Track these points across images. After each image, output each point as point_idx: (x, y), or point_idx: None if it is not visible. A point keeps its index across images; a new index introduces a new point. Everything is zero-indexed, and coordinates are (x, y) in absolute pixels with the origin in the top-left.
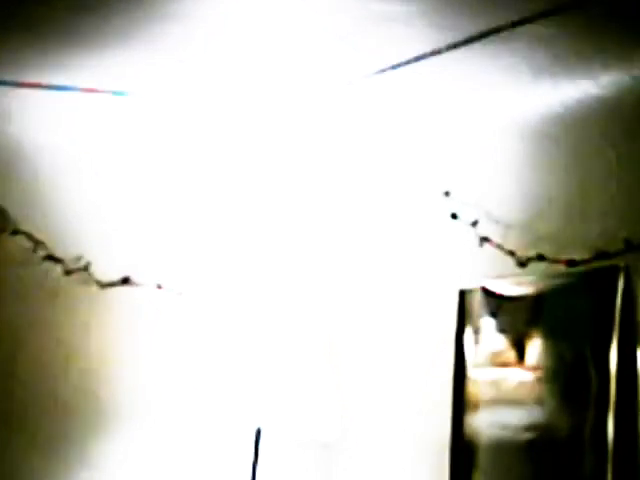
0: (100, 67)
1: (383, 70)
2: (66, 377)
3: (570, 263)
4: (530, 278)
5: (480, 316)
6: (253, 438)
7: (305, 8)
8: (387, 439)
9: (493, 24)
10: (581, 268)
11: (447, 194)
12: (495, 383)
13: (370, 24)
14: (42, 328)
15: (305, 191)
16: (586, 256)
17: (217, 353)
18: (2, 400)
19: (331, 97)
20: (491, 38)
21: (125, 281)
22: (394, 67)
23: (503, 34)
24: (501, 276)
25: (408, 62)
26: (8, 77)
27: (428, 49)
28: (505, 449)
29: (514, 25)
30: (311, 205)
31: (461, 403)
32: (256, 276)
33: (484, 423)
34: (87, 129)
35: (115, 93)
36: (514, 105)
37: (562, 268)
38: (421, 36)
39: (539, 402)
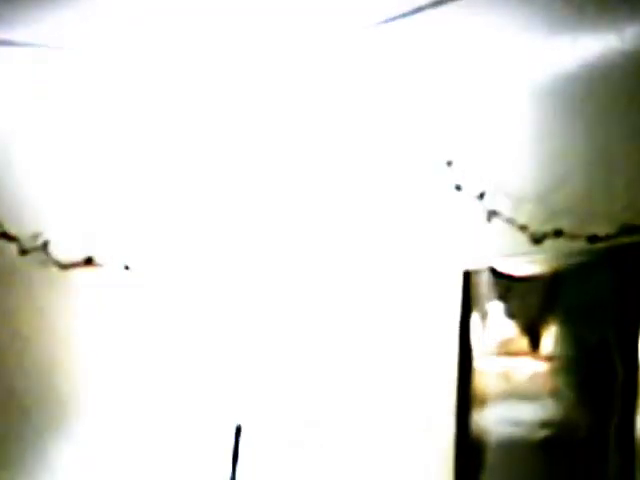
0: (44, 20)
1: (381, 23)
2: (22, 369)
3: (591, 239)
4: (545, 256)
5: (488, 299)
6: (233, 436)
7: None
8: (383, 438)
9: None
10: (604, 244)
11: (449, 163)
12: (505, 375)
13: None
14: None
15: (294, 161)
16: (610, 231)
17: (192, 343)
18: None
19: (326, 51)
20: None
21: (88, 262)
22: (392, 19)
23: None
24: (512, 254)
25: (406, 15)
26: None
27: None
28: (517, 449)
29: None
30: (300, 177)
31: (467, 397)
32: (234, 255)
33: (493, 420)
34: (39, 90)
35: (79, 49)
36: (528, 62)
37: (582, 245)
38: None
39: (555, 396)
